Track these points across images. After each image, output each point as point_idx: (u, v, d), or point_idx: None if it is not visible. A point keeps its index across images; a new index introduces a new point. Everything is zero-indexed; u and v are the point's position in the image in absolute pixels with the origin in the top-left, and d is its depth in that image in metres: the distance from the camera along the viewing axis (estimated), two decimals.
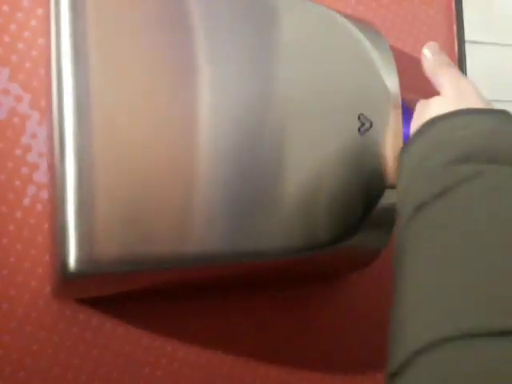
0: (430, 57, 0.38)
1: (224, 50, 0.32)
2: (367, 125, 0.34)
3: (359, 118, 0.34)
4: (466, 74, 0.51)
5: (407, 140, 0.34)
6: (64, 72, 0.27)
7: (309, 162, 0.34)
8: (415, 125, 0.34)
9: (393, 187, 0.36)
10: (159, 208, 0.30)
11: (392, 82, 0.36)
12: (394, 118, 0.36)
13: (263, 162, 0.33)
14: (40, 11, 0.35)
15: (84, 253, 0.28)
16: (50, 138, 0.31)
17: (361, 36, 0.35)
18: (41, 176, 0.35)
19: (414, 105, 0.40)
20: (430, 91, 0.46)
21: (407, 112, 0.42)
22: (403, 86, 0.46)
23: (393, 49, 0.49)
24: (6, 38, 0.34)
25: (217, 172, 0.31)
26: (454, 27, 0.52)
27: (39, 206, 0.35)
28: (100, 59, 0.29)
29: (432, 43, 0.39)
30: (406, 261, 0.25)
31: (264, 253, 0.33)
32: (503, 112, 0.31)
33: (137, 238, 0.29)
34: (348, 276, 0.46)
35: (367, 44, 0.35)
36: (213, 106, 0.32)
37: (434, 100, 0.35)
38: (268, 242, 0.33)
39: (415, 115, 0.36)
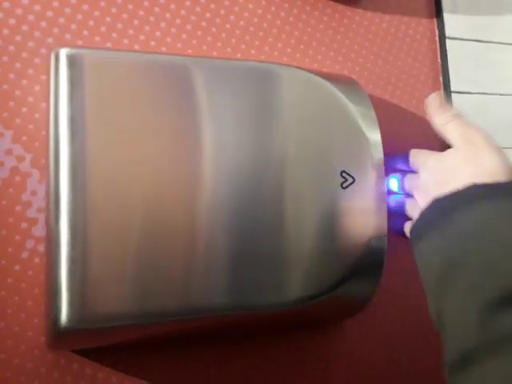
0: (436, 110, 0.36)
1: (224, 115, 0.35)
2: (350, 180, 0.36)
3: (341, 174, 0.35)
4: None
5: (419, 217, 0.31)
6: (61, 140, 0.30)
7: (298, 218, 0.35)
8: (433, 189, 0.31)
9: (377, 237, 0.37)
10: (154, 266, 0.31)
11: (374, 138, 0.38)
12: (377, 173, 0.37)
13: (260, 218, 0.34)
14: (43, 77, 0.38)
15: (75, 309, 0.29)
16: (47, 194, 0.33)
17: (342, 96, 0.37)
18: (39, 230, 0.36)
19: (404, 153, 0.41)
20: (416, 142, 0.47)
21: (398, 161, 0.43)
22: (391, 137, 0.48)
23: (380, 101, 0.51)
24: (11, 103, 0.37)
25: (215, 230, 0.33)
26: (440, 78, 0.55)
27: (37, 259, 0.36)
28: (97, 125, 0.31)
29: (435, 95, 0.37)
30: None
31: (260, 305, 0.35)
32: None
33: (129, 294, 0.30)
34: (342, 322, 0.46)
35: (348, 103, 0.37)
36: (213, 166, 0.33)
37: (448, 156, 0.33)
38: (264, 296, 0.34)
39: (430, 170, 0.34)
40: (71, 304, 0.29)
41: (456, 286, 0.25)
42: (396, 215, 0.40)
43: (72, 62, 0.31)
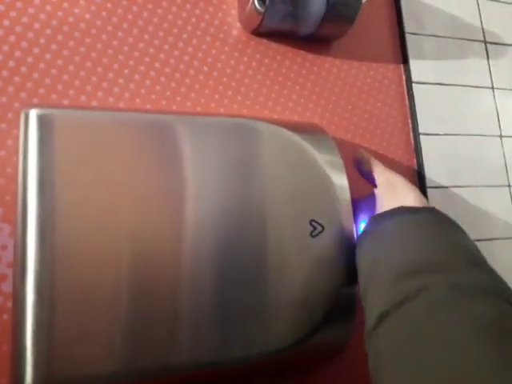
0: (362, 160, 0.45)
1: (204, 173, 0.35)
2: (319, 228, 0.36)
3: (311, 223, 0.36)
4: (422, 164, 0.55)
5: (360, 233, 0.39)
6: (29, 200, 0.30)
7: (271, 269, 0.35)
8: (366, 218, 0.40)
9: (348, 283, 0.38)
10: (124, 325, 0.31)
11: (341, 184, 0.39)
12: (345, 219, 0.38)
13: (238, 271, 0.34)
14: (15, 131, 0.38)
15: (40, 373, 0.28)
16: (15, 251, 0.32)
17: (310, 146, 0.38)
18: (8, 286, 0.36)
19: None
20: None
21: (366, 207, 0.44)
22: (363, 181, 0.49)
23: (351, 145, 0.52)
24: None
25: (189, 287, 0.33)
26: (409, 121, 0.57)
27: (5, 316, 0.36)
28: (66, 184, 0.31)
29: (361, 150, 0.46)
30: (384, 365, 0.29)
31: (242, 358, 0.34)
32: (430, 210, 0.37)
33: (98, 356, 0.30)
34: (320, 365, 0.46)
35: (316, 153, 0.38)
36: (195, 221, 0.34)
37: (378, 197, 0.41)
38: (246, 348, 0.34)
39: (366, 209, 0.42)
40: (36, 367, 0.28)
41: (378, 270, 0.34)
42: None
43: (42, 121, 0.31)
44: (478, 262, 0.32)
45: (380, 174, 0.42)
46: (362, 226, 0.42)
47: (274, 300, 0.35)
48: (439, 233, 0.34)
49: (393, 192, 0.40)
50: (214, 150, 0.35)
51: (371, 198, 0.43)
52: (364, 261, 0.37)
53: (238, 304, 0.33)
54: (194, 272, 0.32)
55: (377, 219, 0.38)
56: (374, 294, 0.33)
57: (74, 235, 0.30)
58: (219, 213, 0.34)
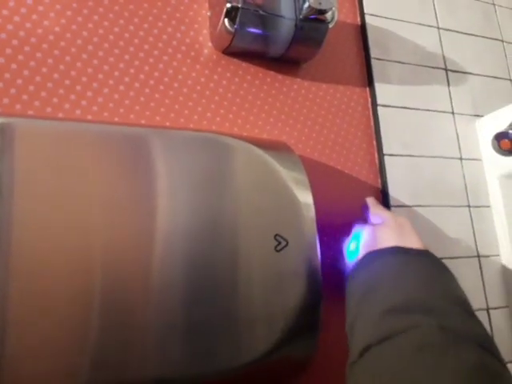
0: (371, 203, 0.49)
1: (173, 186, 0.35)
2: (283, 243, 0.37)
3: (275, 237, 0.37)
4: (386, 183, 0.56)
5: (355, 263, 0.40)
6: None
7: (235, 282, 0.36)
8: (364, 249, 0.41)
9: (312, 298, 0.38)
10: (78, 339, 0.30)
11: (306, 201, 0.39)
12: (309, 234, 0.38)
13: (208, 284, 0.34)
14: None
15: None
16: None
17: (276, 163, 0.39)
18: None
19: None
20: (350, 203, 0.50)
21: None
22: (327, 198, 0.50)
23: (317, 164, 0.54)
24: None
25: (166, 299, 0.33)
26: (374, 142, 0.58)
27: None
28: (24, 193, 0.30)
29: (371, 198, 0.50)
30: None
31: (205, 373, 0.34)
32: (428, 254, 0.38)
33: (50, 371, 0.29)
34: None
35: (282, 169, 0.39)
36: (164, 235, 0.33)
37: (380, 228, 0.42)
38: (210, 362, 0.34)
39: (364, 240, 0.43)
40: None
41: (369, 302, 0.35)
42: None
43: (2, 130, 0.31)
44: (469, 311, 0.33)
45: (389, 214, 0.44)
46: (352, 246, 0.43)
47: (239, 314, 0.35)
48: (435, 276, 0.35)
49: (400, 231, 0.41)
50: (185, 163, 0.35)
51: (369, 230, 0.44)
52: (355, 292, 0.37)
53: (204, 318, 0.33)
54: (161, 284, 0.32)
55: (374, 255, 0.39)
56: (360, 327, 0.34)
57: (30, 246, 0.29)
58: (189, 225, 0.34)
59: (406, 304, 0.32)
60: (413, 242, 0.39)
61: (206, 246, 0.35)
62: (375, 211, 0.47)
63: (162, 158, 0.35)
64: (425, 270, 0.36)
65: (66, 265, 0.30)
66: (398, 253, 0.38)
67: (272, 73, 0.54)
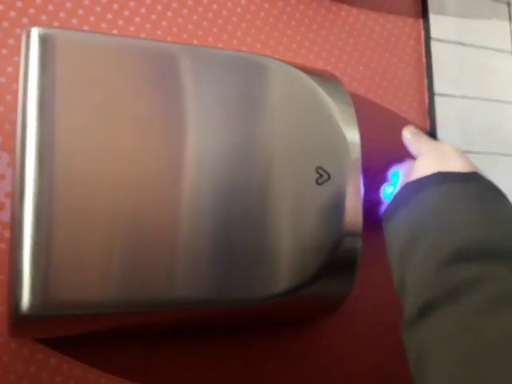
0: (411, 133, 0.43)
1: (208, 104, 0.34)
2: (325, 176, 0.35)
3: (317, 170, 0.35)
4: (435, 125, 0.53)
5: (391, 200, 0.36)
6: (29, 124, 0.29)
7: (274, 214, 0.35)
8: (400, 185, 0.36)
9: (351, 235, 0.37)
10: (122, 255, 0.30)
11: (352, 136, 0.37)
12: (353, 170, 0.37)
13: (239, 213, 0.34)
14: (16, 58, 0.37)
15: (37, 296, 0.28)
16: (14, 177, 0.32)
17: (322, 91, 0.37)
18: (6, 215, 0.35)
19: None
20: (396, 142, 0.47)
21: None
22: (371, 135, 0.48)
23: (363, 100, 0.51)
24: None
25: (194, 222, 0.32)
26: (425, 80, 0.55)
27: (3, 245, 0.35)
28: (67, 109, 0.30)
29: (410, 126, 0.44)
30: (430, 364, 0.25)
31: (234, 300, 0.34)
32: (476, 176, 0.32)
33: (94, 282, 0.29)
34: (315, 322, 0.46)
35: (328, 99, 0.37)
36: (195, 157, 0.32)
37: (419, 161, 0.37)
38: (235, 291, 0.34)
39: (402, 176, 0.38)
40: (33, 290, 0.28)
41: (417, 250, 0.30)
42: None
43: (44, 41, 0.30)
44: None
45: (426, 141, 0.40)
46: (389, 190, 0.41)
47: (275, 244, 0.34)
48: (492, 208, 0.30)
49: (438, 156, 0.35)
50: (220, 83, 0.34)
51: (407, 166, 0.40)
52: (395, 238, 0.33)
53: (239, 244, 0.33)
54: (194, 206, 0.32)
55: (412, 187, 0.34)
56: (413, 283, 0.29)
57: (73, 160, 0.29)
58: (221, 148, 0.33)
59: (464, 250, 0.27)
60: (458, 165, 0.33)
61: (240, 170, 0.34)
62: (415, 144, 0.41)
63: (198, 76, 0.34)
64: (479, 202, 0.30)
65: (106, 179, 0.30)
66: (440, 181, 0.32)
67: None
